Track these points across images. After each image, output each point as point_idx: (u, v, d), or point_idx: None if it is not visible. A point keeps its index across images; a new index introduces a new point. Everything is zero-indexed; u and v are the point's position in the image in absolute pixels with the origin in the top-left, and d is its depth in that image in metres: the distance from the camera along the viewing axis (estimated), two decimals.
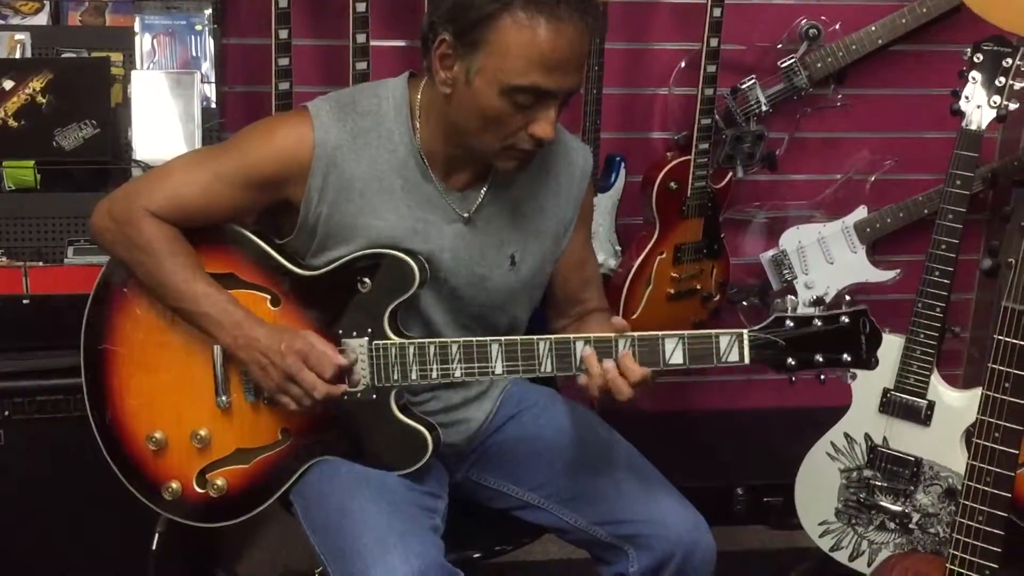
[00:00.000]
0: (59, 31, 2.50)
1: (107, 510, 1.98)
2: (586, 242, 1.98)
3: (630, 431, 2.00)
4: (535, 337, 1.70)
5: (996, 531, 1.57)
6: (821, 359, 1.62)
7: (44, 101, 2.36)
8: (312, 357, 1.70)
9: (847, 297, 1.80)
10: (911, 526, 2.35)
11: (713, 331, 1.64)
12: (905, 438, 2.33)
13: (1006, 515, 1.57)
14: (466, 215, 1.80)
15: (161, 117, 2.41)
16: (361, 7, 2.44)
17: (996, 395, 1.55)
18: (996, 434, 1.55)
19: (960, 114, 2.25)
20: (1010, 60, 2.25)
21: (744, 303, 3.03)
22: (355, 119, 1.75)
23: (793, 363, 1.63)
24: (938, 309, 2.27)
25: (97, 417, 1.86)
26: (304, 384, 1.70)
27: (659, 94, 2.96)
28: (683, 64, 2.89)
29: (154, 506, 1.85)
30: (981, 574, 1.57)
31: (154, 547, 1.91)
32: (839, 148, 3.07)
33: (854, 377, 2.35)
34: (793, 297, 1.71)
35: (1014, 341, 1.52)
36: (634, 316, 2.83)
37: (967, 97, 2.25)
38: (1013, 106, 2.25)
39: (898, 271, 2.93)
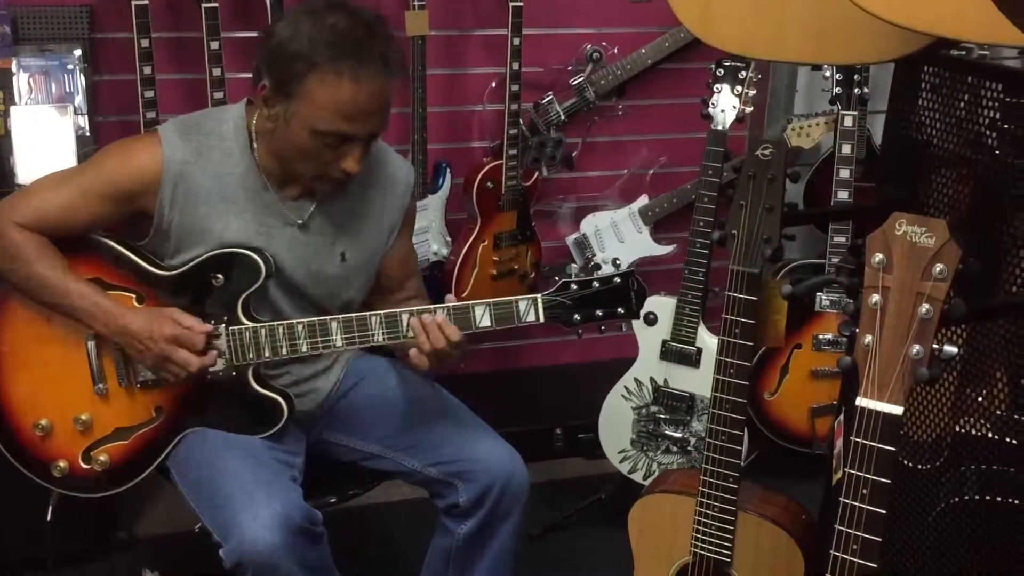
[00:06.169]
0: None
1: (4, 493, 1.91)
2: (409, 240, 1.97)
3: (466, 391, 2.01)
4: (368, 313, 1.70)
5: (736, 446, 1.58)
6: (601, 313, 1.66)
7: None
8: (183, 337, 1.68)
9: (618, 261, 1.83)
10: (689, 448, 2.43)
11: (513, 297, 1.65)
12: (681, 379, 2.40)
13: (741, 433, 1.60)
14: (300, 222, 1.77)
15: (40, 146, 2.33)
16: (215, 45, 2.39)
17: (729, 339, 1.57)
18: (731, 370, 1.58)
19: (709, 118, 2.35)
20: (744, 72, 2.35)
21: (556, 279, 2.95)
22: (199, 138, 1.71)
23: (579, 318, 1.65)
24: (700, 274, 2.33)
25: None
26: (180, 363, 1.69)
27: (475, 110, 2.96)
28: (493, 85, 2.91)
29: (45, 483, 1.80)
30: (726, 481, 1.61)
31: (48, 518, 1.85)
32: (623, 149, 3.11)
33: (629, 326, 2.38)
34: (574, 264, 1.76)
35: (738, 295, 1.57)
36: (464, 295, 2.82)
37: (714, 104, 2.35)
38: (748, 109, 2.36)
39: (674, 246, 2.97)
